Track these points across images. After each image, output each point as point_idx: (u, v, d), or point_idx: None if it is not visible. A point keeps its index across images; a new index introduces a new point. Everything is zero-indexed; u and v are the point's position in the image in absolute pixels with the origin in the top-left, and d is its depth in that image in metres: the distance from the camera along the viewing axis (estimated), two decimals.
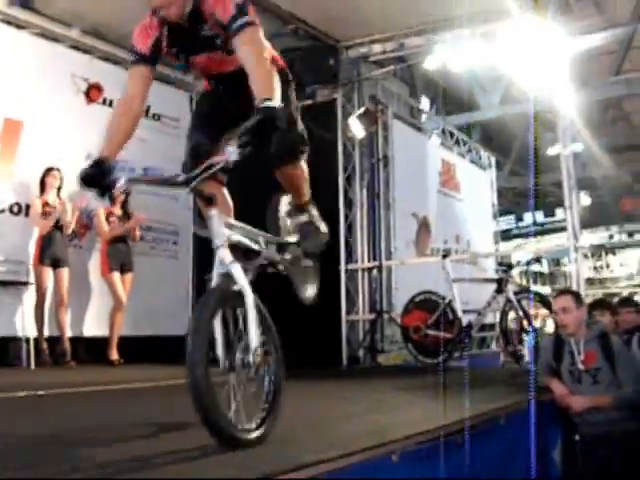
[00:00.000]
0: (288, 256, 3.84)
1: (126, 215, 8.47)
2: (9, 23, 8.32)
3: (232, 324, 2.98)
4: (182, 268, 9.87)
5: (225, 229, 3.16)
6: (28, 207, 8.07)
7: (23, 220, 8.10)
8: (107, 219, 8.35)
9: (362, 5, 8.28)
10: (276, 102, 2.87)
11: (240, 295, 2.97)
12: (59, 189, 8.03)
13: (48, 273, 7.79)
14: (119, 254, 8.35)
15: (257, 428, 2.96)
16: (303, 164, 3.63)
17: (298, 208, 3.99)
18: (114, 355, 8.15)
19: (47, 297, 7.81)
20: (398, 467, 3.25)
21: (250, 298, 2.97)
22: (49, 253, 7.81)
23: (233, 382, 2.89)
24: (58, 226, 7.91)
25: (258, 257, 3.48)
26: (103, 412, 4.38)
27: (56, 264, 7.86)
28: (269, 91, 2.91)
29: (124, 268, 8.38)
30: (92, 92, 8.89)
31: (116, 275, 8.27)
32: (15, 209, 8.09)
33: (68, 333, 8.00)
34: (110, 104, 8.96)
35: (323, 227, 4.10)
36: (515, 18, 7.78)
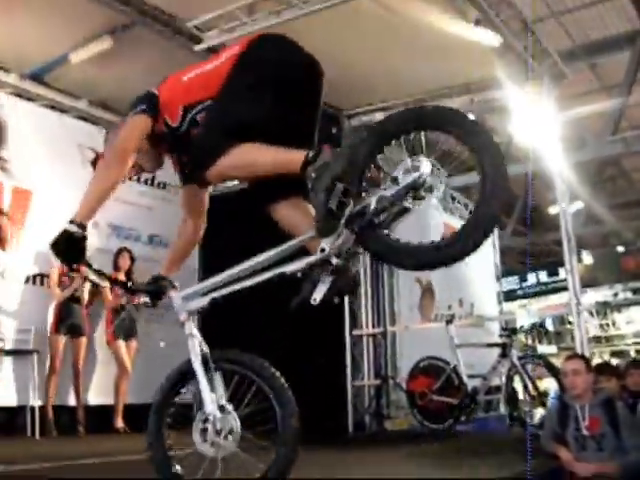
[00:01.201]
0: None
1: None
2: (20, 96, 8.61)
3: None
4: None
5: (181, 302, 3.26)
6: (37, 276, 8.22)
7: (31, 288, 8.23)
8: (112, 289, 8.40)
9: (365, 75, 8.48)
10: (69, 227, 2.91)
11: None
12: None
13: (63, 341, 7.90)
14: (124, 322, 8.36)
15: None
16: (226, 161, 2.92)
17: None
18: (119, 423, 8.14)
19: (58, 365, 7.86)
20: None
21: (196, 365, 3.11)
22: (66, 322, 7.94)
23: (210, 454, 2.98)
24: (75, 297, 8.08)
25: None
26: None
27: (73, 333, 8.01)
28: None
29: (129, 336, 8.42)
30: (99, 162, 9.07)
31: (120, 343, 8.31)
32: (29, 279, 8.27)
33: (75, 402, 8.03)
34: None
35: None
36: (510, 88, 7.99)
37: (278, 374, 3.09)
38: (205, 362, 3.13)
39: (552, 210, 13.00)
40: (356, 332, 9.55)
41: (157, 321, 9.27)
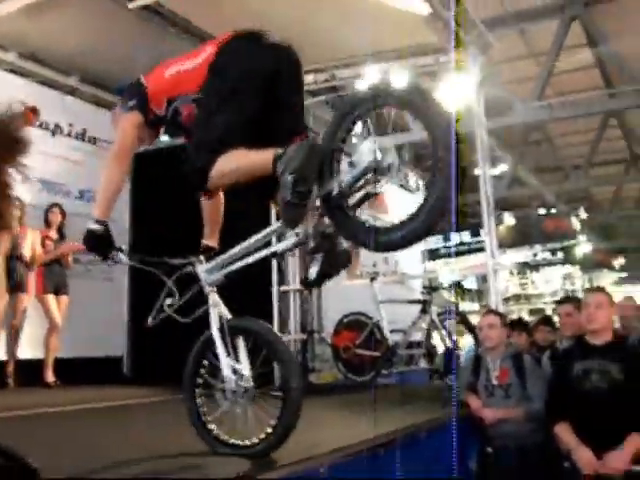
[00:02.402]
0: None
1: (62, 239, 8.53)
2: None
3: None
4: (118, 290, 9.98)
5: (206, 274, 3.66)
6: None
7: None
8: (43, 243, 8.41)
9: (295, 37, 8.55)
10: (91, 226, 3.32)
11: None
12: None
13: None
14: (54, 276, 8.38)
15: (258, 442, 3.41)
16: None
17: None
18: (50, 377, 8.22)
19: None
20: (326, 479, 3.55)
21: (214, 333, 3.53)
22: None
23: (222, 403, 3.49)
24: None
25: None
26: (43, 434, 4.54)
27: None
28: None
29: (59, 290, 8.42)
30: (28, 115, 8.99)
31: (50, 297, 8.31)
32: None
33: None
34: (47, 128, 9.12)
35: None
36: (439, 53, 8.24)
37: (280, 339, 3.58)
38: (222, 330, 3.51)
39: (476, 172, 13.36)
40: (283, 288, 9.76)
41: (86, 277, 9.36)
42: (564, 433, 4.41)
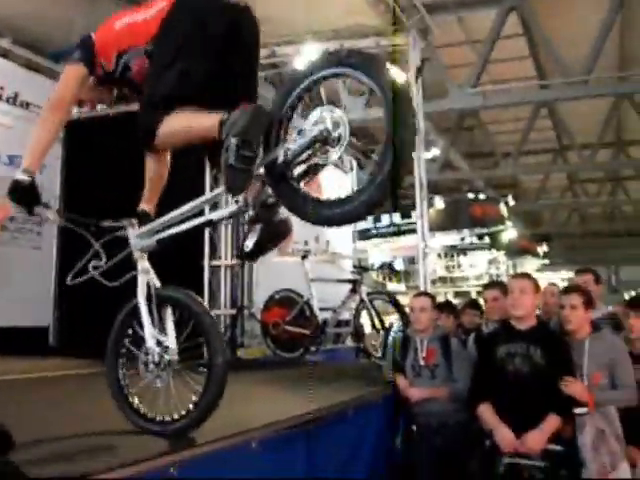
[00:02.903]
0: None
1: None
2: None
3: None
4: (46, 259, 9.78)
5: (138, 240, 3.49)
6: None
7: None
8: None
9: None
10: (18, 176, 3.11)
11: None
12: None
13: None
14: None
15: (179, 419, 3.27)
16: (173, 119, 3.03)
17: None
18: None
19: None
20: (257, 453, 3.59)
21: (140, 301, 3.38)
22: None
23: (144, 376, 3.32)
24: None
25: None
26: None
27: None
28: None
29: None
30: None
31: None
32: None
33: None
34: None
35: None
36: (380, 36, 8.29)
37: (208, 312, 3.36)
38: (149, 299, 3.37)
39: None
40: (214, 263, 9.71)
41: (12, 244, 9.16)
42: (486, 413, 4.55)
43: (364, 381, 6.21)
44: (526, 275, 5.05)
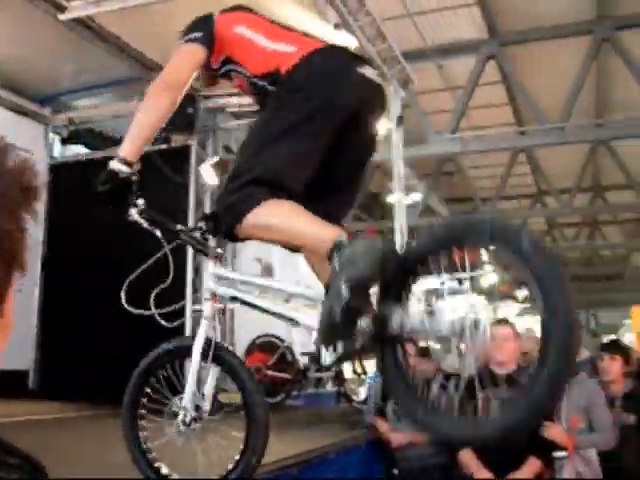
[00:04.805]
0: None
1: None
2: None
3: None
4: (27, 302, 9.71)
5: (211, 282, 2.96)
6: None
7: None
8: None
9: None
10: (114, 165, 2.64)
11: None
12: None
13: None
14: None
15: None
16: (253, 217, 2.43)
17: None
18: None
19: None
20: None
21: (195, 348, 2.91)
22: None
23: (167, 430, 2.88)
24: None
25: None
26: None
27: None
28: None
29: None
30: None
31: None
32: None
33: None
34: None
35: None
36: None
37: (257, 389, 3.02)
38: (206, 350, 2.90)
39: (389, 199, 13.61)
40: (196, 307, 9.70)
41: None
42: (467, 457, 4.59)
43: (345, 425, 6.23)
44: (506, 322, 5.12)
